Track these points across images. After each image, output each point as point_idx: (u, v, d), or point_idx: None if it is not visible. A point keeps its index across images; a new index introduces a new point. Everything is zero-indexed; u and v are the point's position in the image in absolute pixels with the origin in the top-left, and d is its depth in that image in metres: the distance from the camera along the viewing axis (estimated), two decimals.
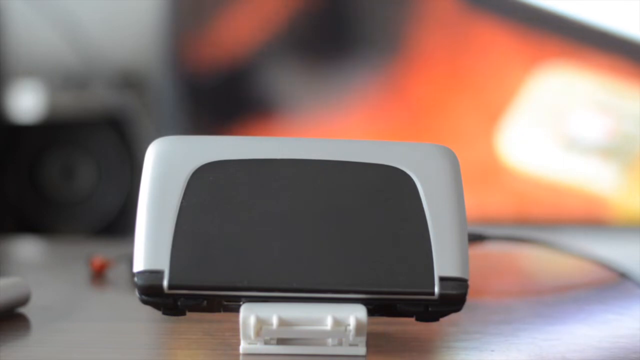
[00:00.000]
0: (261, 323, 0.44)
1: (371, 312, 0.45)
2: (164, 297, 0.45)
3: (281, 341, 0.45)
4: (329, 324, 0.44)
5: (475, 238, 0.68)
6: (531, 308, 0.62)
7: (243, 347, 0.45)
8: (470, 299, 0.46)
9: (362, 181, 0.46)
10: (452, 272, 0.45)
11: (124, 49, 1.71)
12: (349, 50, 1.64)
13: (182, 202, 0.45)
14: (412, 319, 0.46)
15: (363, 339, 0.44)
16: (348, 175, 0.46)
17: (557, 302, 0.64)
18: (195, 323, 0.51)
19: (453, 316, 0.46)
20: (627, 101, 1.63)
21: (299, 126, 1.65)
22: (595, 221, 1.64)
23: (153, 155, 0.47)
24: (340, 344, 0.45)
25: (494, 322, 0.57)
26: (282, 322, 0.44)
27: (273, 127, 1.65)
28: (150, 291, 0.44)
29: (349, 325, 0.44)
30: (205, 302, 0.45)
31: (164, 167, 0.46)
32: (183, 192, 0.46)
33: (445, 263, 0.45)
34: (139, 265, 0.45)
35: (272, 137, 0.48)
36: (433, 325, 0.46)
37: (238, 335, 0.45)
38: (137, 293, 0.45)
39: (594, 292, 0.70)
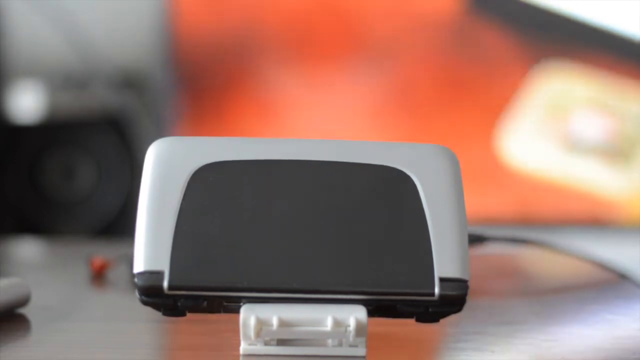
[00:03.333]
0: (261, 324, 0.44)
1: (371, 313, 0.45)
2: (164, 298, 0.45)
3: (281, 342, 0.45)
4: (329, 324, 0.44)
5: (475, 239, 0.68)
6: (531, 309, 0.62)
7: (243, 347, 0.45)
8: (470, 300, 0.46)
9: (362, 182, 0.46)
10: (452, 273, 0.45)
11: (124, 48, 1.71)
12: (350, 51, 1.64)
13: (182, 203, 0.45)
14: (413, 320, 0.46)
15: (363, 339, 0.44)
16: (348, 176, 0.46)
17: (557, 303, 0.64)
18: (195, 324, 0.51)
19: (453, 317, 0.46)
20: (627, 101, 1.63)
21: (299, 127, 1.65)
22: (596, 222, 1.64)
23: (153, 156, 0.47)
24: (340, 344, 0.45)
25: (494, 323, 0.57)
26: (282, 323, 0.44)
27: (273, 127, 1.65)
28: (151, 292, 0.44)
29: (349, 326, 0.44)
30: (205, 303, 0.45)
31: (164, 168, 0.46)
32: (183, 192, 0.46)
33: (445, 264, 0.45)
34: (139, 265, 0.45)
35: (272, 138, 0.48)
36: (433, 326, 0.46)
37: (238, 336, 0.45)
38: (137, 294, 0.45)
39: (594, 292, 0.70)
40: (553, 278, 0.81)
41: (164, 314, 0.45)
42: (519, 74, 1.63)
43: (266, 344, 0.45)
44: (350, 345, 0.45)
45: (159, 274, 0.44)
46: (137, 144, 1.59)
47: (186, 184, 0.46)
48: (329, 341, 0.45)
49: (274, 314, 0.44)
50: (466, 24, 1.63)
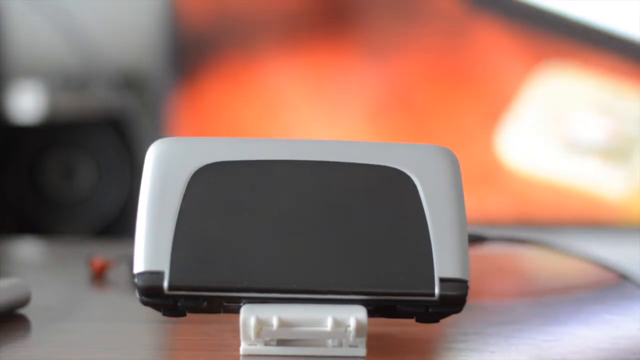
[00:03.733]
0: (261, 324, 0.44)
1: (371, 313, 0.45)
2: (164, 298, 0.45)
3: (281, 342, 0.45)
4: (329, 325, 0.44)
5: (475, 239, 0.68)
6: (531, 309, 0.62)
7: (243, 348, 0.45)
8: (470, 300, 0.46)
9: (363, 182, 0.46)
10: (452, 273, 0.45)
11: (124, 49, 1.71)
12: (350, 50, 1.64)
13: (182, 203, 0.45)
14: (412, 320, 0.46)
15: (363, 340, 0.44)
16: (348, 177, 0.46)
17: (556, 303, 0.64)
18: (195, 324, 0.51)
19: (453, 317, 0.46)
20: (627, 102, 1.63)
21: (299, 127, 1.65)
22: (595, 222, 1.64)
23: (153, 157, 0.47)
24: (340, 345, 0.45)
25: (494, 323, 0.57)
26: (282, 323, 0.44)
27: (273, 127, 1.65)
28: (151, 292, 0.44)
29: (349, 326, 0.44)
30: (205, 303, 0.45)
31: (164, 168, 0.46)
32: (183, 193, 0.46)
33: (445, 264, 0.45)
34: (139, 266, 0.45)
35: (272, 138, 0.48)
36: (433, 326, 0.46)
37: (238, 336, 0.45)
38: (137, 294, 0.45)
39: (593, 293, 0.70)
40: (553, 278, 0.81)
41: (164, 314, 0.45)
42: (519, 74, 1.63)
43: (266, 344, 0.45)
44: (350, 346, 0.45)
45: (159, 274, 0.44)
46: (137, 144, 1.59)
47: (186, 184, 0.46)
48: (329, 341, 0.45)
49: (274, 314, 0.44)
50: (466, 23, 1.63)
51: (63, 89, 1.64)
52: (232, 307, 0.45)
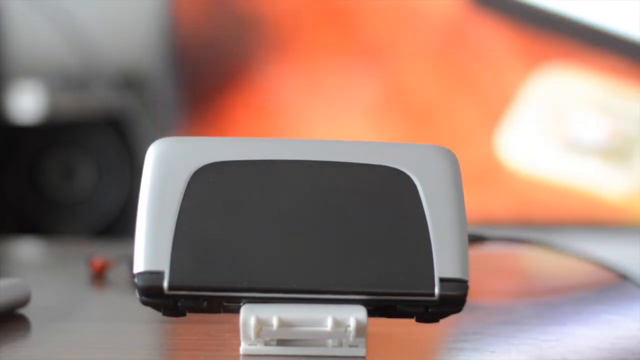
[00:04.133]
0: (261, 324, 0.44)
1: (371, 313, 0.45)
2: (164, 298, 0.45)
3: (281, 342, 0.45)
4: (329, 325, 0.44)
5: (475, 239, 0.68)
6: (531, 309, 0.62)
7: (243, 348, 0.45)
8: (470, 300, 0.46)
9: (362, 182, 0.46)
10: (452, 273, 0.45)
11: (124, 49, 1.71)
12: (349, 50, 1.64)
13: (182, 203, 0.45)
14: (412, 320, 0.46)
15: (363, 339, 0.44)
16: (348, 176, 0.46)
17: (557, 303, 0.64)
18: (195, 324, 0.51)
19: (453, 317, 0.46)
20: (627, 102, 1.63)
21: (299, 127, 1.65)
22: (595, 222, 1.64)
23: (153, 157, 0.47)
24: (340, 344, 0.45)
25: (494, 323, 0.57)
26: (283, 323, 0.44)
27: (273, 127, 1.65)
28: (151, 292, 0.44)
29: (349, 326, 0.44)
30: (205, 303, 0.45)
31: (165, 168, 0.46)
32: (183, 193, 0.46)
33: (445, 264, 0.45)
34: (139, 266, 0.45)
35: (272, 138, 0.48)
36: (433, 326, 0.46)
37: (238, 336, 0.45)
38: (137, 294, 0.45)
39: (593, 293, 0.70)
40: (553, 278, 0.81)
41: (164, 314, 0.45)
42: (519, 74, 1.63)
43: (266, 344, 0.45)
44: (350, 346, 0.45)
45: (159, 274, 0.44)
46: (137, 144, 1.59)
47: (186, 184, 0.46)
48: (329, 341, 0.45)
49: (274, 314, 0.44)
50: (466, 23, 1.63)
51: (63, 89, 1.64)
52: (232, 307, 0.45)
